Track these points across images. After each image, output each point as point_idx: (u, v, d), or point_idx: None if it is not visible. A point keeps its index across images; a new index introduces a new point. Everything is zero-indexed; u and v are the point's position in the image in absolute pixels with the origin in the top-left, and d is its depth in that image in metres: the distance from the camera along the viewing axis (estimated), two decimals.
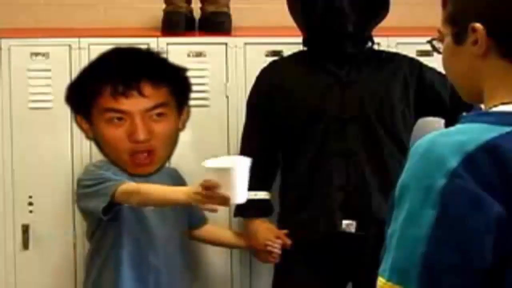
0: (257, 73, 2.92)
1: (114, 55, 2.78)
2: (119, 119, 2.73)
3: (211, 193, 2.33)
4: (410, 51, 3.00)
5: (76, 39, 3.03)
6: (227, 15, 3.24)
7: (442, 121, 2.86)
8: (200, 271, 3.08)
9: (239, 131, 2.95)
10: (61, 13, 3.43)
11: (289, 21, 2.89)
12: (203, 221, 2.95)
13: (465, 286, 1.23)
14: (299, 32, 2.88)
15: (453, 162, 1.24)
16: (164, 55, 2.94)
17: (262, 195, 2.85)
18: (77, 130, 2.91)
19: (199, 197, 2.36)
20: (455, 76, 1.45)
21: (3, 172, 3.00)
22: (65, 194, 3.00)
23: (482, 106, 1.41)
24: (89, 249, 2.83)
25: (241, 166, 2.38)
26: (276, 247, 2.82)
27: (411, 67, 2.86)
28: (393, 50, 3.05)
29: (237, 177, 2.36)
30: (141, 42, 2.97)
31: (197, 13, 3.32)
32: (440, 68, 1.61)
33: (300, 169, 2.79)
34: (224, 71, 3.09)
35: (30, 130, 3.00)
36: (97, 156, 2.85)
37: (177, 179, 2.87)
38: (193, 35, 3.24)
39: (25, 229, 3.00)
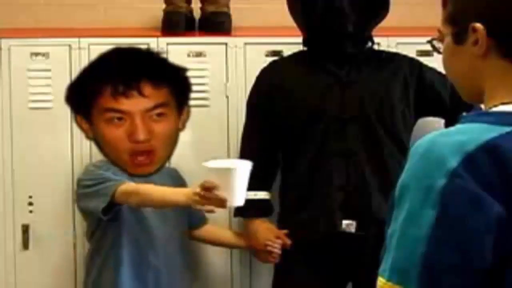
0: (257, 73, 2.92)
1: (114, 55, 2.78)
2: (119, 119, 2.73)
3: (210, 194, 2.33)
4: (410, 51, 3.00)
5: (76, 39, 3.02)
6: (227, 15, 3.24)
7: (442, 121, 2.86)
8: (200, 271, 3.08)
9: (239, 131, 2.95)
10: (61, 13, 3.43)
11: (289, 21, 2.89)
12: (203, 221, 2.95)
13: (465, 286, 1.23)
14: (299, 32, 2.87)
15: (453, 162, 1.24)
16: (164, 55, 2.93)
17: (262, 195, 2.85)
18: (77, 130, 2.91)
19: (198, 198, 2.36)
20: (455, 76, 1.45)
21: (3, 172, 2.99)
22: (65, 194, 3.00)
23: (482, 106, 1.41)
24: (89, 249, 2.83)
25: (242, 168, 2.39)
26: (276, 247, 2.82)
27: (411, 67, 2.86)
28: (393, 50, 3.04)
29: (237, 179, 2.37)
30: (141, 42, 2.96)
31: (197, 13, 3.32)
32: (440, 68, 1.61)
33: (300, 169, 2.79)
34: (224, 71, 3.08)
35: (30, 130, 3.00)
36: (97, 156, 2.85)
37: (177, 179, 2.87)
38: (193, 35, 3.24)
39: (25, 229, 2.99)
